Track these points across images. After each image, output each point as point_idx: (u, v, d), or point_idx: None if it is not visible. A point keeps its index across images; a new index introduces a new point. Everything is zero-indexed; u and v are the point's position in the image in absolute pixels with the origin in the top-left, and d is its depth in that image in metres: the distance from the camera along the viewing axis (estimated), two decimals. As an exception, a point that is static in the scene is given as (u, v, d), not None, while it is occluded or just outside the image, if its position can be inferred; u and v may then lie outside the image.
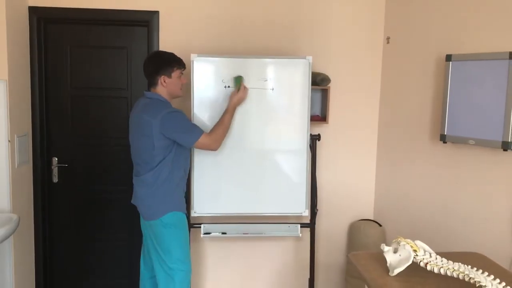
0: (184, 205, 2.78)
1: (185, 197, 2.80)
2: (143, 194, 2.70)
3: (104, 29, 3.32)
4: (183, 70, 2.74)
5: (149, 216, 2.69)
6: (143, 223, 2.79)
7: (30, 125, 3.23)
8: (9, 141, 2.88)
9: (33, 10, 3.16)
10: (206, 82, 2.98)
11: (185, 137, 2.63)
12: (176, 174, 2.69)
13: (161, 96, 2.67)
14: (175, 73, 2.68)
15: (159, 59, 2.71)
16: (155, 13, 3.23)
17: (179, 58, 2.72)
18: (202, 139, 2.63)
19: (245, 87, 2.89)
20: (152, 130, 2.55)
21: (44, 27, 3.25)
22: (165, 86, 2.67)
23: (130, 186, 3.39)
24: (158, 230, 2.66)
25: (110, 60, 3.35)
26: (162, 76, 2.65)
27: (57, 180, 3.39)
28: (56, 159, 3.38)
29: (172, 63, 2.68)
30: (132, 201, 2.83)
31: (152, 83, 2.69)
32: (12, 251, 2.94)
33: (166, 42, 3.24)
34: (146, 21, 3.25)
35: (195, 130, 2.65)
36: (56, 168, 3.38)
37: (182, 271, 2.70)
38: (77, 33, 3.31)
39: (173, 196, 2.70)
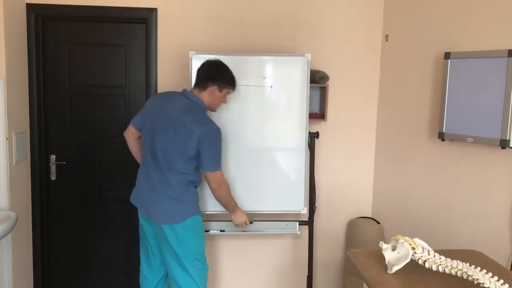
0: (200, 207, 2.75)
1: None
2: (163, 197, 2.58)
3: (102, 26, 3.31)
4: (231, 92, 2.73)
5: (169, 220, 2.58)
6: (153, 227, 2.67)
7: (28, 122, 3.22)
8: (7, 138, 2.88)
9: (31, 7, 3.15)
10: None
11: (208, 162, 2.58)
12: (198, 178, 2.67)
13: (203, 103, 2.62)
14: (225, 91, 2.67)
15: (222, 71, 2.66)
16: (154, 11, 3.22)
17: (235, 80, 2.71)
18: (219, 174, 2.63)
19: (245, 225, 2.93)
20: (192, 137, 2.49)
21: (42, 24, 3.24)
22: (211, 96, 2.63)
23: (128, 183, 3.39)
24: (180, 234, 2.58)
25: (108, 58, 3.34)
26: (215, 87, 2.61)
27: (55, 178, 3.38)
28: (54, 156, 3.37)
29: (230, 81, 2.67)
30: (138, 202, 2.71)
31: (201, 86, 2.62)
32: (10, 249, 2.94)
33: (165, 39, 3.23)
34: (145, 19, 3.24)
35: (219, 163, 2.63)
36: (54, 165, 3.37)
37: (203, 270, 2.69)
38: (75, 31, 3.30)
39: (195, 200, 2.68)
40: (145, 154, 2.69)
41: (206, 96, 2.62)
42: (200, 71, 2.66)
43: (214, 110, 2.76)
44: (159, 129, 2.57)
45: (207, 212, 3.04)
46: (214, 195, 2.73)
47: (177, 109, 2.56)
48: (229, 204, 2.82)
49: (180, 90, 2.73)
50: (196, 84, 2.65)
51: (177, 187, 2.58)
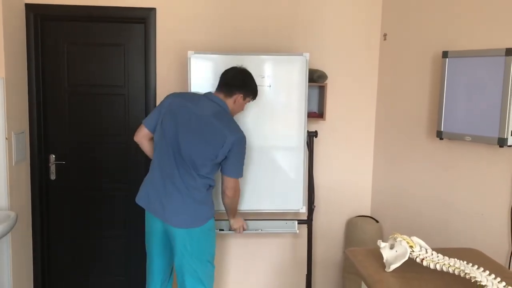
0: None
1: None
2: (188, 200, 2.54)
3: (101, 26, 3.32)
4: (251, 100, 2.76)
5: (189, 224, 2.55)
6: (166, 228, 2.59)
7: (27, 122, 3.23)
8: (6, 138, 2.88)
9: (29, 7, 3.16)
10: (203, 79, 2.97)
11: (234, 168, 2.61)
12: (214, 182, 2.68)
13: (229, 109, 2.64)
14: (247, 100, 2.70)
15: (250, 80, 2.69)
16: (152, 10, 3.23)
17: (257, 91, 2.75)
18: (237, 182, 2.67)
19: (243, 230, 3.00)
20: (224, 143, 2.49)
21: (41, 24, 3.24)
22: (235, 104, 2.65)
23: (128, 183, 3.41)
24: (199, 236, 2.58)
25: (107, 57, 3.35)
26: (241, 95, 2.64)
27: (54, 178, 3.39)
28: (54, 156, 3.38)
29: (254, 91, 2.72)
30: (149, 204, 2.62)
31: (226, 92, 2.62)
32: (10, 249, 2.94)
33: (164, 39, 3.24)
34: (143, 18, 3.25)
35: (241, 171, 2.66)
36: (54, 165, 3.38)
37: (212, 272, 2.72)
38: (74, 30, 3.31)
39: (213, 203, 2.70)
40: (162, 155, 2.58)
41: (231, 102, 2.64)
42: (226, 77, 2.65)
43: (232, 116, 2.75)
44: (188, 131, 2.52)
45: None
46: (224, 201, 2.76)
47: (208, 113, 2.53)
48: (234, 210, 2.87)
49: (202, 92, 2.73)
50: (222, 90, 2.63)
51: (202, 190, 2.58)
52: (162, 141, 2.59)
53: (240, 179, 2.72)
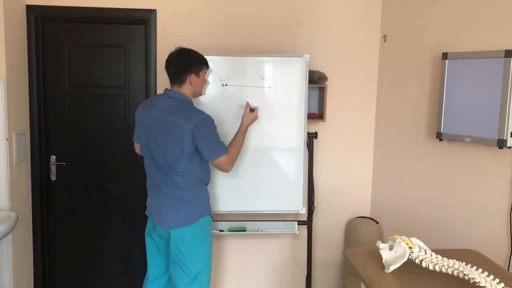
0: (211, 209, 2.74)
1: None
2: (175, 200, 2.56)
3: (102, 27, 3.32)
4: (207, 70, 2.70)
5: (180, 223, 2.56)
6: (163, 232, 2.62)
7: (28, 123, 3.24)
8: (7, 139, 2.89)
9: (30, 9, 3.16)
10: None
11: (210, 151, 2.55)
12: (206, 179, 2.66)
13: (187, 96, 2.59)
14: (203, 72, 2.64)
15: (190, 57, 2.60)
16: (153, 12, 3.24)
17: (205, 57, 2.67)
18: (224, 158, 2.58)
19: (256, 108, 2.88)
20: (184, 134, 2.46)
21: (42, 25, 3.25)
22: (192, 85, 2.59)
23: (128, 183, 3.41)
24: (191, 235, 2.57)
25: (108, 59, 3.35)
26: (192, 75, 2.57)
27: (55, 178, 3.40)
28: (54, 157, 3.38)
29: (202, 62, 2.63)
30: (150, 212, 2.69)
31: (178, 81, 2.57)
32: (11, 249, 2.95)
33: (164, 40, 3.24)
34: (144, 20, 3.25)
35: (221, 148, 2.58)
36: (54, 166, 3.39)
37: (208, 274, 2.68)
38: (74, 32, 3.31)
39: (206, 200, 2.67)
40: (146, 164, 2.65)
41: (188, 88, 2.59)
42: (169, 67, 2.60)
43: (201, 95, 2.74)
44: (154, 135, 2.54)
45: (206, 212, 3.05)
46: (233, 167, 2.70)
47: (162, 110, 2.53)
48: (242, 141, 2.77)
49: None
50: (174, 81, 2.60)
51: (187, 188, 2.56)
52: (143, 152, 2.68)
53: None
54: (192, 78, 2.57)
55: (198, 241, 2.61)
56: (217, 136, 2.58)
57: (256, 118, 2.88)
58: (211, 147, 2.55)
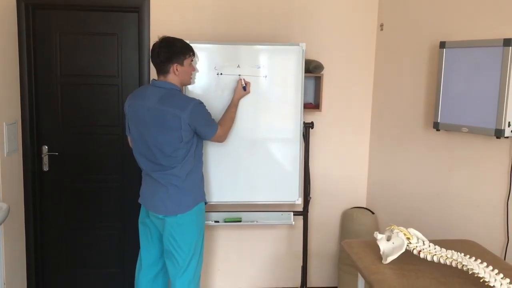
0: (205, 194, 2.77)
1: None
2: (170, 189, 2.56)
3: (94, 15, 3.27)
4: (193, 57, 2.67)
5: (176, 211, 2.57)
6: (158, 219, 2.63)
7: (19, 113, 3.19)
8: (-3, 129, 2.85)
9: (20, -4, 3.10)
10: (198, 69, 2.94)
11: (208, 130, 2.63)
12: (199, 165, 2.68)
13: (175, 85, 2.57)
14: (187, 61, 2.60)
15: (172, 46, 2.57)
16: (146, -1, 3.19)
17: (190, 45, 2.63)
18: (219, 132, 2.68)
19: (248, 84, 2.92)
20: (181, 123, 2.45)
21: (33, 13, 3.18)
22: (177, 75, 2.57)
23: (121, 174, 3.38)
24: (185, 223, 2.59)
25: (100, 47, 3.30)
26: (175, 64, 2.55)
27: (47, 169, 3.35)
28: (46, 147, 3.34)
29: (185, 50, 2.58)
30: (143, 200, 2.70)
31: (163, 71, 2.56)
32: (2, 240, 2.92)
33: (157, 28, 3.19)
34: (137, 7, 3.20)
35: (214, 123, 2.67)
36: (47, 156, 3.34)
37: (200, 263, 2.70)
38: (66, 19, 3.25)
39: (200, 188, 2.69)
40: (140, 155, 2.64)
41: (174, 77, 2.57)
42: (153, 58, 2.58)
43: (189, 83, 2.74)
44: (148, 127, 2.52)
45: (201, 203, 3.03)
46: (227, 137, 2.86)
47: (153, 102, 2.51)
48: (234, 114, 2.88)
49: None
50: (159, 72, 2.59)
51: (182, 176, 2.57)
52: (134, 144, 2.66)
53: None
54: (175, 67, 2.55)
55: (192, 229, 2.63)
56: (208, 115, 2.64)
57: (247, 93, 2.93)
58: (208, 127, 2.63)
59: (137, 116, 2.57)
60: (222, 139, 2.77)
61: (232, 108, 2.86)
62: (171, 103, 2.49)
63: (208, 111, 2.63)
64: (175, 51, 2.55)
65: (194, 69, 2.70)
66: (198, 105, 2.54)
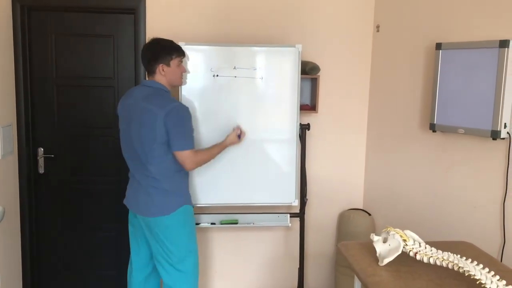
0: (191, 198, 2.73)
1: None
2: (150, 190, 2.55)
3: (90, 16, 3.26)
4: (183, 58, 2.65)
5: (157, 212, 2.55)
6: (143, 221, 2.63)
7: (14, 115, 3.17)
8: (-8, 131, 2.83)
9: (16, -3, 3.09)
10: (195, 71, 2.93)
11: (177, 143, 2.49)
12: (182, 168, 2.61)
13: (163, 85, 2.57)
14: (174, 62, 2.59)
15: (157, 46, 2.59)
16: (142, 0, 3.17)
17: (178, 46, 2.63)
18: (188, 153, 2.51)
19: (242, 134, 2.89)
20: (157, 121, 2.43)
21: (28, 14, 3.17)
22: (163, 75, 2.57)
23: (118, 176, 3.37)
24: (171, 226, 2.56)
25: (96, 49, 3.29)
26: (161, 65, 2.55)
27: (43, 171, 3.34)
28: (42, 149, 3.32)
29: (171, 51, 2.58)
30: (128, 201, 2.70)
31: (150, 72, 2.59)
32: (-2, 243, 2.91)
33: (154, 30, 3.18)
34: (133, 9, 3.19)
35: (189, 142, 2.54)
36: (42, 158, 3.33)
37: (194, 264, 2.67)
38: (62, 21, 3.24)
39: (182, 191, 2.64)
40: (125, 154, 2.65)
41: (161, 77, 2.58)
42: (142, 59, 2.63)
43: (180, 84, 2.72)
44: (131, 124, 2.54)
45: (197, 205, 3.02)
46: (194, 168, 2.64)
47: (138, 99, 2.53)
48: (216, 153, 2.75)
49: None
50: (148, 72, 2.62)
51: (161, 177, 2.54)
52: (121, 143, 2.66)
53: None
54: (161, 67, 2.56)
55: (177, 231, 2.59)
56: (188, 128, 2.54)
57: (240, 142, 2.88)
58: (178, 136, 2.49)
59: (124, 115, 2.60)
60: (188, 163, 2.53)
61: (217, 147, 2.76)
62: (153, 101, 2.50)
63: (191, 125, 2.56)
64: (160, 51, 2.57)
65: (184, 71, 2.68)
66: (179, 109, 2.49)
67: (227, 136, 2.84)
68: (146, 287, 2.80)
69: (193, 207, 2.72)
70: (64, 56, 3.27)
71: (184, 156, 2.51)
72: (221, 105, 2.96)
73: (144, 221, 2.62)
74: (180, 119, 2.50)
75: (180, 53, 2.62)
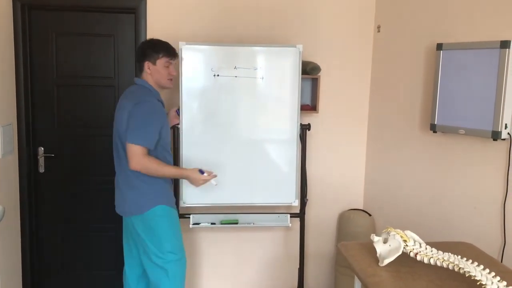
0: (173, 199, 2.69)
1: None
2: (124, 189, 2.58)
3: (90, 16, 3.26)
4: (172, 60, 2.65)
5: (134, 211, 2.56)
6: (126, 221, 2.71)
7: (15, 114, 3.17)
8: (-7, 130, 2.83)
9: (16, -4, 3.09)
10: (195, 70, 2.93)
11: (131, 132, 2.42)
12: None
13: (147, 83, 2.60)
14: (161, 61, 2.60)
15: (147, 44, 2.65)
16: (142, 0, 3.17)
17: (169, 47, 2.63)
18: (137, 149, 2.40)
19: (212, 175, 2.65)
20: (126, 115, 2.48)
21: (28, 13, 3.17)
22: (149, 73, 2.60)
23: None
24: (148, 225, 2.56)
25: (97, 48, 3.29)
26: (147, 62, 2.59)
27: (43, 170, 3.34)
28: (42, 149, 3.32)
29: (159, 49, 2.59)
30: (115, 202, 2.73)
31: (139, 69, 2.66)
32: (-2, 243, 2.90)
33: (154, 29, 3.18)
34: (133, 8, 3.19)
35: (143, 137, 2.42)
36: (43, 158, 3.33)
37: (174, 262, 2.62)
38: (62, 20, 3.24)
39: (160, 190, 2.60)
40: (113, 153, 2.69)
41: (147, 76, 2.62)
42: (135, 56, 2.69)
43: (166, 85, 2.66)
44: (115, 124, 2.60)
45: (197, 205, 3.02)
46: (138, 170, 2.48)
47: (122, 97, 2.60)
48: (168, 173, 2.57)
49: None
50: (138, 70, 2.68)
51: (134, 177, 2.53)
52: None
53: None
54: (147, 65, 2.60)
55: (154, 231, 2.57)
56: (147, 122, 2.45)
57: (197, 183, 2.61)
58: (132, 127, 2.42)
59: (115, 115, 2.64)
60: (134, 160, 2.39)
61: (173, 170, 2.64)
62: (130, 96, 2.55)
63: (155, 119, 2.46)
64: (148, 48, 2.61)
65: (172, 73, 2.65)
66: (144, 103, 2.47)
67: (192, 174, 2.59)
68: (140, 286, 2.81)
69: (173, 208, 2.66)
70: (65, 56, 3.27)
71: (132, 150, 2.40)
72: (222, 105, 2.96)
73: (127, 221, 2.68)
74: (143, 112, 2.45)
75: (169, 53, 2.61)
